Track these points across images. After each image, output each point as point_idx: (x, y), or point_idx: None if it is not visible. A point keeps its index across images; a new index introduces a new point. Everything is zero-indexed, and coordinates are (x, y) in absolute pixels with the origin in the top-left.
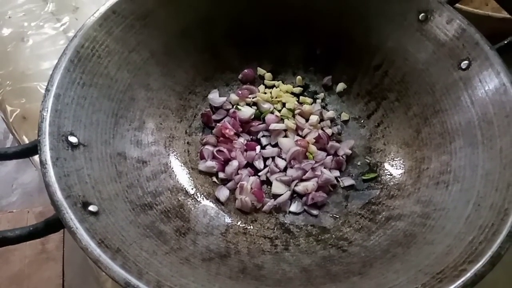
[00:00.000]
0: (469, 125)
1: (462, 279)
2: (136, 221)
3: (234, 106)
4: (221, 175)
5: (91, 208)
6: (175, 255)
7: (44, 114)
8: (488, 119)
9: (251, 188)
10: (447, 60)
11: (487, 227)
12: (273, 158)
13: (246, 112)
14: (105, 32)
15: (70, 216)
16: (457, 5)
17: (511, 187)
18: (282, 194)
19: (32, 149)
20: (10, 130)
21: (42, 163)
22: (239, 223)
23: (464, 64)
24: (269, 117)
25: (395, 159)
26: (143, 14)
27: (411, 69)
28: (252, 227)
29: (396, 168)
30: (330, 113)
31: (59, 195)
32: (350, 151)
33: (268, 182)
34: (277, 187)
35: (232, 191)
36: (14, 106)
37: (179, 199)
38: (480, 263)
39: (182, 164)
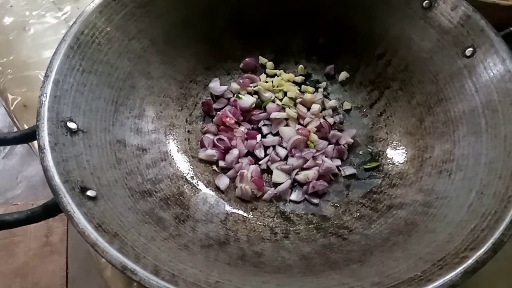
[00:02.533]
0: (473, 113)
1: (463, 265)
2: (135, 208)
3: (235, 95)
4: (221, 163)
5: (89, 193)
6: (173, 241)
7: (43, 99)
8: (492, 107)
9: (252, 176)
10: (451, 48)
11: (490, 214)
12: (274, 147)
13: (247, 101)
14: (105, 19)
15: (68, 200)
16: None
17: None
18: (283, 183)
19: (31, 135)
20: (12, 119)
21: (41, 148)
22: (239, 211)
23: (468, 51)
24: (270, 106)
25: (397, 148)
26: (144, 2)
27: (414, 58)
28: (252, 215)
29: (399, 157)
30: (332, 102)
31: (56, 179)
32: (352, 140)
33: (268, 171)
34: (277, 176)
35: (232, 179)
36: (16, 94)
37: (179, 186)
38: (482, 250)
39: (183, 153)
